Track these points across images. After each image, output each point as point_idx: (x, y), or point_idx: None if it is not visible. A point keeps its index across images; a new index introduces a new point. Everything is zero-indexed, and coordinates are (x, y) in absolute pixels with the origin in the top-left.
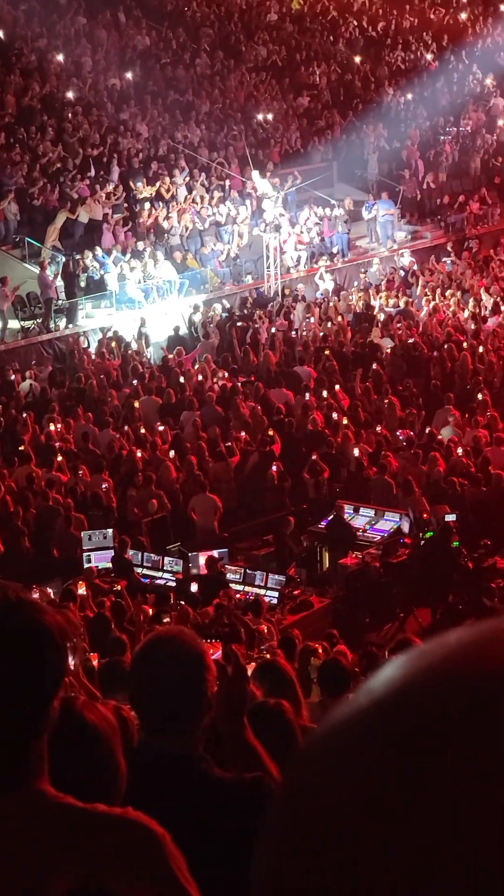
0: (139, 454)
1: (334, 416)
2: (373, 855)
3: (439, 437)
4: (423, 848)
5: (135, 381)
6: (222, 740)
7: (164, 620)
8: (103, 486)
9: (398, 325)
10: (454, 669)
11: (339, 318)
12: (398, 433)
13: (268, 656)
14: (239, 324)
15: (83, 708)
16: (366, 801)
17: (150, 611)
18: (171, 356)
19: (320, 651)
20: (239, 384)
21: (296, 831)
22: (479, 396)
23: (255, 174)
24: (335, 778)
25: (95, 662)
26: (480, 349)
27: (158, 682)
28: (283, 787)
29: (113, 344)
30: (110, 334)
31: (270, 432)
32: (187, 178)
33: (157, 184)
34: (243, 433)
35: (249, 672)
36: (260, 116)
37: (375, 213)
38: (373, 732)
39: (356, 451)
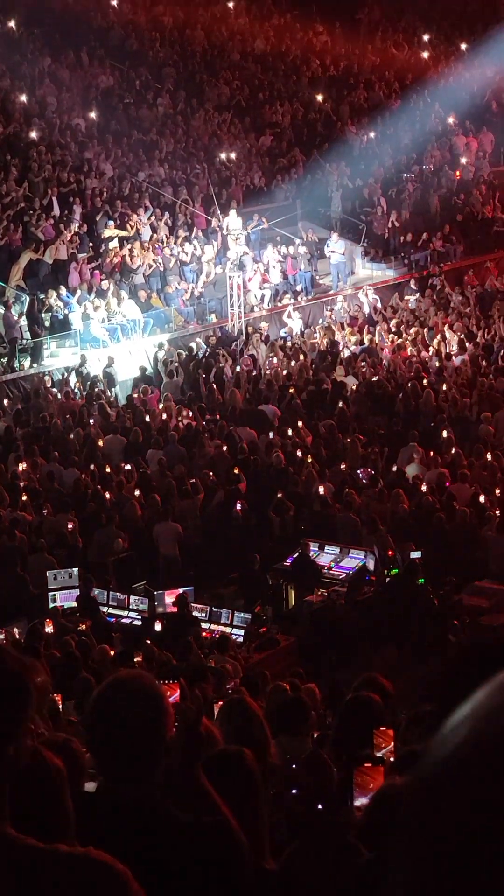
0: (108, 495)
1: (298, 454)
2: None
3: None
4: None
5: (91, 421)
6: (175, 783)
7: (136, 659)
8: (69, 525)
9: (362, 363)
10: None
11: (302, 357)
12: (359, 472)
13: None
14: (203, 362)
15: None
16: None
17: (112, 651)
18: (136, 395)
19: (288, 689)
20: (203, 422)
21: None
22: (444, 434)
23: (233, 213)
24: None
25: (60, 705)
26: (444, 387)
27: (116, 727)
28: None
29: (77, 383)
30: (74, 374)
31: (236, 471)
32: (152, 217)
33: (128, 226)
34: (211, 473)
35: (216, 710)
36: (223, 155)
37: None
38: None
39: (321, 489)
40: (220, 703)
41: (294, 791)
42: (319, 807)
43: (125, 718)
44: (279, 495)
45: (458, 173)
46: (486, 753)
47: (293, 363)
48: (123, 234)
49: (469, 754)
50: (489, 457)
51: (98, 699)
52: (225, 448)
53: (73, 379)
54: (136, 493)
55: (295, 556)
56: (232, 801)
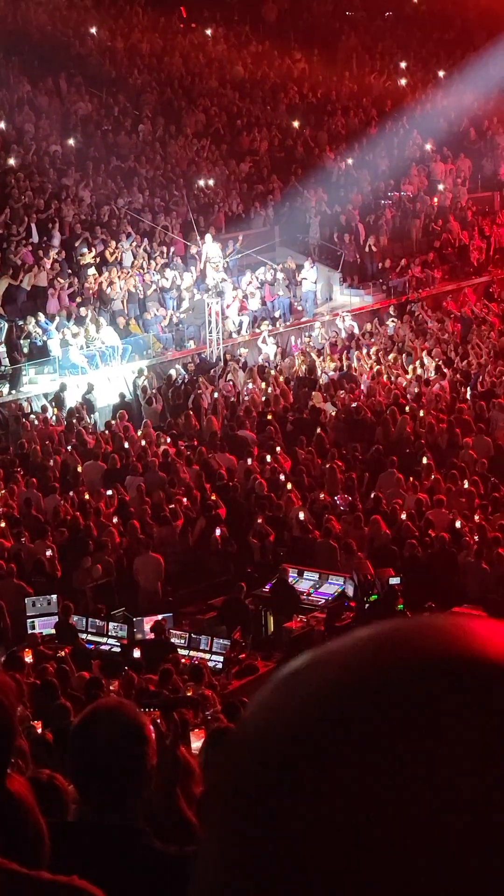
0: (92, 522)
1: (281, 477)
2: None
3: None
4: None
5: (69, 448)
6: (156, 811)
7: (111, 687)
8: (47, 552)
9: (341, 390)
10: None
11: (282, 381)
12: (336, 499)
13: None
14: (182, 389)
15: (6, 780)
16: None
17: (88, 676)
18: (115, 421)
19: None
20: (182, 448)
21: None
22: (424, 460)
23: (209, 238)
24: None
25: (39, 730)
26: (421, 413)
27: (97, 757)
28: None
29: (55, 410)
30: (51, 399)
31: (213, 497)
32: (133, 243)
33: (106, 251)
34: (185, 499)
35: (197, 739)
36: (201, 182)
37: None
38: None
39: (301, 515)
40: (199, 729)
41: None
42: None
43: (106, 747)
44: (259, 520)
45: (435, 200)
46: (262, 742)
47: (271, 390)
48: (96, 258)
49: (251, 744)
50: (466, 483)
51: (79, 728)
52: (203, 474)
53: (50, 406)
54: (115, 520)
55: (273, 581)
56: None
